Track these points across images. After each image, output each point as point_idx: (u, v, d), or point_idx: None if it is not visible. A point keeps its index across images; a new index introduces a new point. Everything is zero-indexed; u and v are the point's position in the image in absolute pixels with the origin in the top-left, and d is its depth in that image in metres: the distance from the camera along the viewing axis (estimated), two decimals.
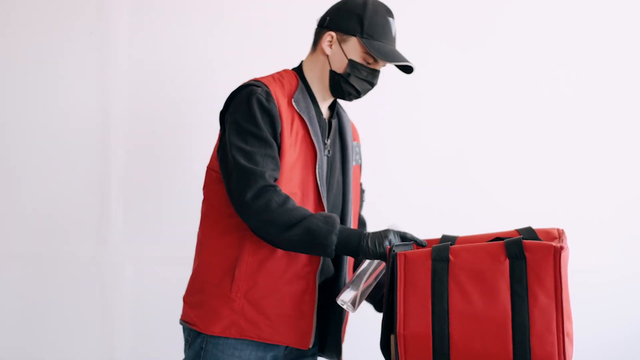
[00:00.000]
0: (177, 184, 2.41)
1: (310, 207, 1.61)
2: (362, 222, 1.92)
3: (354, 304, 1.53)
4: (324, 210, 1.62)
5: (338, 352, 1.69)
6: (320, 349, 1.72)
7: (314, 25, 1.69)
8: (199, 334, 1.60)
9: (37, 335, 2.43)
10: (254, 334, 1.58)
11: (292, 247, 1.53)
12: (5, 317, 2.43)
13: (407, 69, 1.65)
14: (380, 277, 1.57)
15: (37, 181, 2.41)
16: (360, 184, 1.89)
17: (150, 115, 2.42)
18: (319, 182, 1.61)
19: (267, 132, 1.54)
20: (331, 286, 1.69)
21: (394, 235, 1.48)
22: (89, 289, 2.42)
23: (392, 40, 1.65)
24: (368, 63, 1.63)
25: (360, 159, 1.86)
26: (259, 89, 1.57)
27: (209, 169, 1.67)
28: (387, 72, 2.39)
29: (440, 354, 1.34)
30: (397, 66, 1.65)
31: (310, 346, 1.62)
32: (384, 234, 1.48)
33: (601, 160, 2.45)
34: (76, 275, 2.42)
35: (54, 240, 2.42)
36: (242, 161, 1.51)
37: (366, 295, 1.55)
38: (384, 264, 1.54)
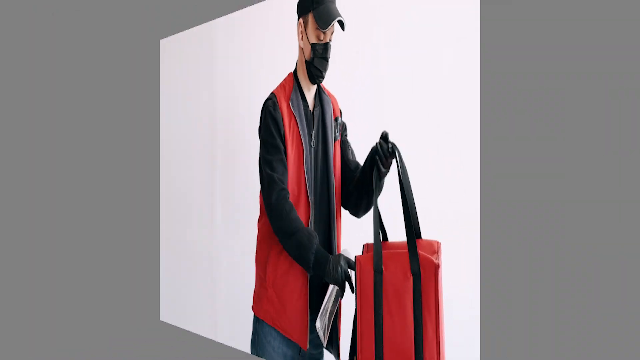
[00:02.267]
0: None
1: (302, 201, 1.72)
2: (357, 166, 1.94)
3: (324, 332, 1.57)
4: (309, 203, 1.72)
5: (336, 347, 1.77)
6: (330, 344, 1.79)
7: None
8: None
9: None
10: (278, 323, 1.72)
11: (291, 254, 1.67)
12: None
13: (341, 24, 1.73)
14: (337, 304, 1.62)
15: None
16: (346, 140, 1.93)
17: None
18: (306, 177, 1.71)
19: (277, 139, 1.69)
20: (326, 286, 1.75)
21: (344, 261, 1.57)
22: None
23: None
24: (320, 40, 1.70)
25: (344, 131, 1.91)
26: (270, 102, 1.71)
27: None
28: (386, 72, 2.38)
29: None
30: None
31: (307, 348, 1.71)
32: (337, 259, 1.58)
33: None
34: None
35: None
36: (267, 169, 1.68)
37: (331, 322, 1.61)
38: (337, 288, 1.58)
